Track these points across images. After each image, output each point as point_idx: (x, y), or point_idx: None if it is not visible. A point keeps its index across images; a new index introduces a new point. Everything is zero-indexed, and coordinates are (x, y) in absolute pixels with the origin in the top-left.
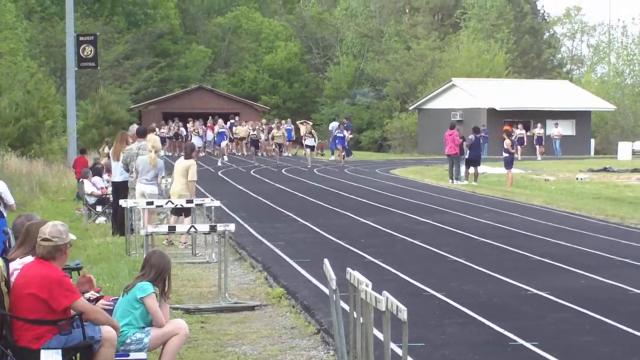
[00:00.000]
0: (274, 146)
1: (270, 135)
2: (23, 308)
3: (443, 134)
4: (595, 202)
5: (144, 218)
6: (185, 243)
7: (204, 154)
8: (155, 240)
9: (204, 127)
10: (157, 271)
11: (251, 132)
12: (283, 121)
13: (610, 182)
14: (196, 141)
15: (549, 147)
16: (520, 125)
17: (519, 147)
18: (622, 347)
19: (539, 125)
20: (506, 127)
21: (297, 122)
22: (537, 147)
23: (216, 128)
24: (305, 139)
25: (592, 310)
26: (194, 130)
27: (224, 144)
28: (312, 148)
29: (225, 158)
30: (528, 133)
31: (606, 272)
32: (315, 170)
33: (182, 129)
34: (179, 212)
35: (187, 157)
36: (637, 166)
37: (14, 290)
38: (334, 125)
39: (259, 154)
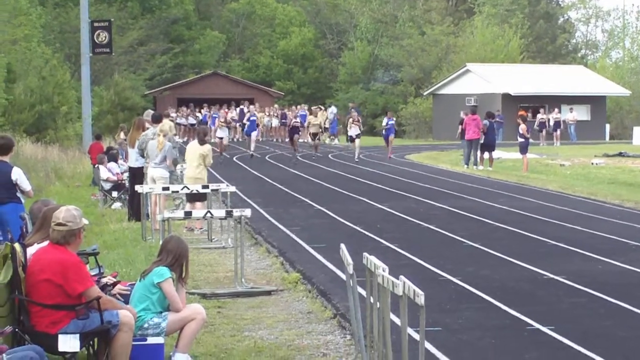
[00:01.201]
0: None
1: (306, 123)
2: (40, 294)
3: (458, 119)
4: (610, 187)
5: (159, 204)
6: (201, 228)
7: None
8: (172, 226)
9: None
10: (174, 257)
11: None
12: (321, 107)
13: (626, 167)
14: (221, 133)
15: (564, 132)
16: (542, 110)
17: (541, 133)
18: (638, 331)
19: (555, 110)
20: (521, 112)
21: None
22: (554, 132)
23: (247, 115)
24: (350, 128)
25: (608, 294)
26: (222, 123)
27: (254, 135)
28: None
29: (253, 147)
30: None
31: (622, 256)
32: (330, 155)
33: (198, 114)
34: (193, 197)
35: (201, 142)
36: None
37: (29, 276)
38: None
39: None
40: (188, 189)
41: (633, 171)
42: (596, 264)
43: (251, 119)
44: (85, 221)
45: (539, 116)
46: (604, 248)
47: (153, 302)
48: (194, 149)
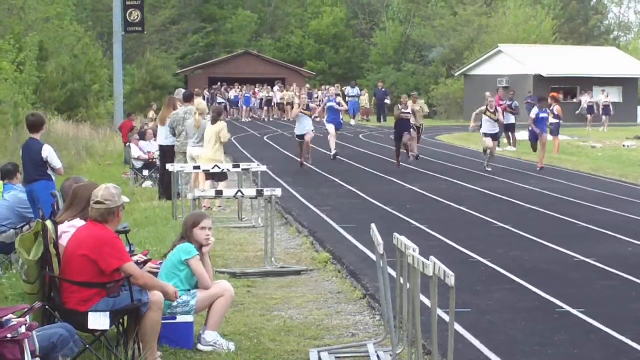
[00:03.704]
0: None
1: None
2: (73, 270)
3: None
4: None
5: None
6: (220, 207)
7: (249, 119)
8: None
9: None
10: (186, 230)
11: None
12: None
13: None
14: (303, 126)
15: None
16: (591, 93)
17: (588, 116)
18: None
19: (589, 93)
20: (553, 94)
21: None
22: (589, 115)
23: (319, 99)
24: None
25: (639, 277)
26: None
27: (332, 131)
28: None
29: (333, 144)
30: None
31: None
32: (360, 136)
33: (230, 94)
34: (213, 177)
35: (215, 121)
36: None
37: (66, 251)
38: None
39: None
40: (219, 168)
41: None
42: (627, 246)
43: (328, 104)
44: (125, 199)
45: (586, 99)
46: (635, 230)
47: (181, 280)
48: (209, 129)
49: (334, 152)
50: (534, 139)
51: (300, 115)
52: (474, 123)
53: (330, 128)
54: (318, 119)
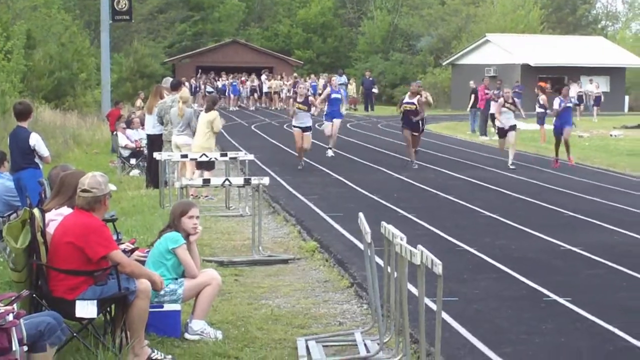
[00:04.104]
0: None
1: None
2: (60, 258)
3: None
4: (629, 159)
5: (187, 170)
6: (207, 196)
7: (236, 107)
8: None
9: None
10: (173, 218)
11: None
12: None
13: None
14: (300, 119)
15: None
16: (579, 83)
17: (579, 106)
18: None
19: (578, 82)
20: (541, 83)
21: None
22: (578, 105)
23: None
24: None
25: (625, 266)
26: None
27: (336, 124)
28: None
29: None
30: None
31: (638, 227)
32: (348, 125)
33: (218, 83)
34: (201, 165)
35: (209, 109)
36: None
37: (53, 239)
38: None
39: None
40: (206, 156)
41: None
42: (614, 235)
43: (333, 95)
44: (112, 187)
45: (575, 89)
46: (622, 220)
47: (168, 268)
48: (202, 117)
49: (330, 152)
50: (559, 133)
51: (297, 112)
52: (498, 115)
53: (328, 126)
54: (316, 113)
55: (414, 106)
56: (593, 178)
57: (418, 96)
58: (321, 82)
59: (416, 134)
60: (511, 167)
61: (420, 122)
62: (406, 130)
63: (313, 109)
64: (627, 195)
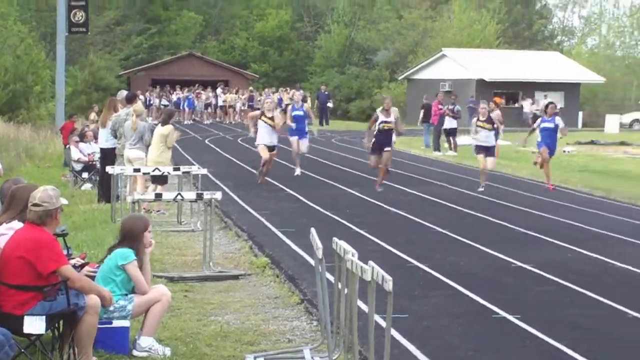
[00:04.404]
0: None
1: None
2: (10, 273)
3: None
4: (581, 175)
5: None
6: (159, 211)
7: (191, 121)
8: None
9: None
10: (130, 235)
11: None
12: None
13: (597, 155)
14: (263, 137)
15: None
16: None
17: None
18: (605, 320)
19: (533, 99)
20: (495, 99)
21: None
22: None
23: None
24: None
25: (575, 283)
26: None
27: (304, 144)
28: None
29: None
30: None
31: (590, 245)
32: None
33: (172, 96)
34: (155, 180)
35: (164, 123)
36: (624, 139)
37: (3, 253)
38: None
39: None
40: (159, 170)
41: (604, 159)
42: (565, 252)
43: (294, 112)
44: (64, 201)
45: (533, 107)
46: (573, 236)
47: (117, 284)
48: (157, 131)
49: (298, 170)
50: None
51: (263, 124)
52: (474, 135)
53: (294, 142)
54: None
55: (391, 124)
56: (544, 194)
57: (394, 113)
58: (276, 96)
59: (388, 149)
60: (479, 188)
61: (391, 138)
62: (373, 157)
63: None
64: (578, 212)
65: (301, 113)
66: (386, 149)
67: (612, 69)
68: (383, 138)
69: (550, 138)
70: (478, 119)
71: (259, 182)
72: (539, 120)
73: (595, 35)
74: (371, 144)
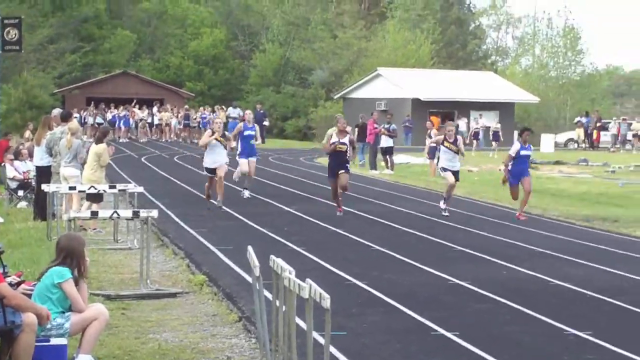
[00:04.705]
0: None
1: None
2: None
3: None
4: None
5: (73, 202)
6: (95, 229)
7: (127, 139)
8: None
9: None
10: (66, 254)
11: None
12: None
13: (533, 174)
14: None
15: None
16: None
17: (475, 141)
18: (542, 337)
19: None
20: (433, 118)
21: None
22: (475, 140)
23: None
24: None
25: (513, 300)
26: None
27: (250, 163)
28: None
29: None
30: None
31: (527, 262)
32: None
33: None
34: (91, 197)
35: (99, 141)
36: (559, 158)
37: None
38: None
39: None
40: (95, 188)
41: (540, 178)
42: (501, 269)
43: (245, 132)
44: None
45: (472, 125)
46: (510, 254)
47: (54, 302)
48: (91, 149)
49: (247, 193)
50: (513, 184)
51: (213, 143)
52: (428, 153)
53: (244, 164)
54: (232, 148)
55: (345, 146)
56: (481, 212)
57: (348, 135)
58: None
59: (343, 171)
60: (444, 213)
61: (347, 162)
62: (332, 182)
63: (232, 143)
64: (514, 230)
65: (253, 132)
66: (341, 171)
67: (546, 89)
68: (337, 160)
69: (526, 165)
70: (445, 141)
71: (208, 203)
72: (515, 148)
73: (529, 55)
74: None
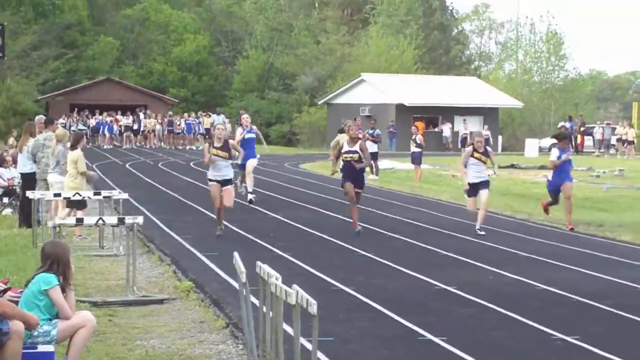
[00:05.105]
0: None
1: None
2: None
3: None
4: (502, 199)
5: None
6: (80, 235)
7: (111, 146)
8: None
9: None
10: (52, 261)
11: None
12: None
13: (518, 179)
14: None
15: (455, 142)
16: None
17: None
18: (529, 342)
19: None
20: (418, 123)
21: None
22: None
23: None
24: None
25: (499, 305)
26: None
27: (253, 164)
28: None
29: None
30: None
31: (513, 267)
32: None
33: (91, 120)
34: (72, 204)
35: (73, 148)
36: (543, 163)
37: None
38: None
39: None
40: (80, 195)
41: (525, 183)
42: (487, 274)
43: (247, 135)
44: None
45: (461, 130)
46: (495, 259)
47: (41, 309)
48: (68, 156)
49: (250, 196)
50: (553, 187)
51: (215, 159)
52: (460, 172)
53: (249, 164)
54: (240, 159)
55: (357, 155)
56: (466, 217)
57: (359, 141)
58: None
59: (359, 190)
60: (480, 232)
61: (363, 175)
62: (348, 184)
63: (236, 154)
64: (500, 235)
65: (253, 135)
66: (346, 184)
67: (530, 94)
68: (349, 169)
69: (567, 169)
70: (475, 151)
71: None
72: (555, 153)
73: (512, 60)
74: (341, 175)
